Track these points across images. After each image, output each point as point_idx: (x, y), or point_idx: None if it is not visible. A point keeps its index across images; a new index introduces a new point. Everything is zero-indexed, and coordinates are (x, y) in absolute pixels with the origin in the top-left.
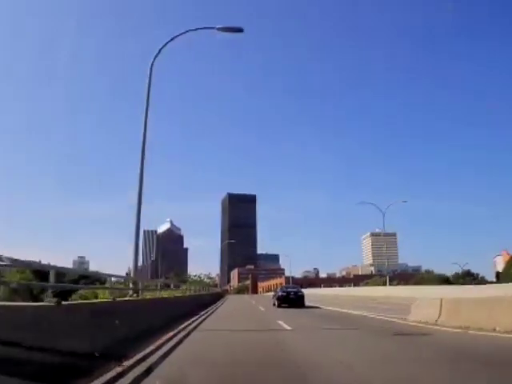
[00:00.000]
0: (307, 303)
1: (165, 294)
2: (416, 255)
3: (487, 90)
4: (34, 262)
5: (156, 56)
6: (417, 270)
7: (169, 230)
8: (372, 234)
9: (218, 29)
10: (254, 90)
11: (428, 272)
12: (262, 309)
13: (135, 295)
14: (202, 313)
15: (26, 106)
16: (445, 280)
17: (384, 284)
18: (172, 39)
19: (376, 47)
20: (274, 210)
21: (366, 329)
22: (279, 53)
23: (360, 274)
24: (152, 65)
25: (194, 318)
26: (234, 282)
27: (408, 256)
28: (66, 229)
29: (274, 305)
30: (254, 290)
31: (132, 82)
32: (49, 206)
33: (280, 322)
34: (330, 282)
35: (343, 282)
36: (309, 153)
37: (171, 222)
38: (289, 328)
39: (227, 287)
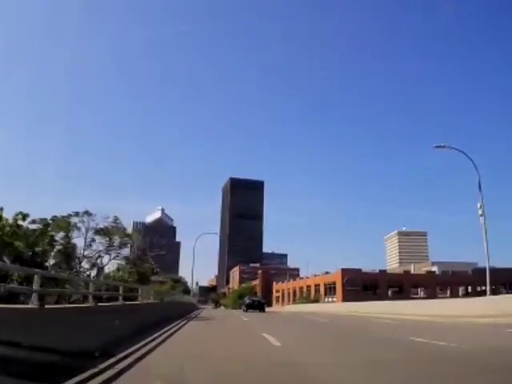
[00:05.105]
0: None
1: None
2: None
3: None
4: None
5: None
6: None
7: (159, 220)
8: (399, 233)
9: None
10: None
11: None
12: None
13: None
14: None
15: None
16: None
17: None
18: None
19: None
20: (281, 211)
21: None
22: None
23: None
24: None
25: None
26: (235, 283)
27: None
28: None
29: (244, 310)
30: (268, 298)
31: None
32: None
33: None
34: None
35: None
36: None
37: (163, 211)
38: None
39: (225, 290)
